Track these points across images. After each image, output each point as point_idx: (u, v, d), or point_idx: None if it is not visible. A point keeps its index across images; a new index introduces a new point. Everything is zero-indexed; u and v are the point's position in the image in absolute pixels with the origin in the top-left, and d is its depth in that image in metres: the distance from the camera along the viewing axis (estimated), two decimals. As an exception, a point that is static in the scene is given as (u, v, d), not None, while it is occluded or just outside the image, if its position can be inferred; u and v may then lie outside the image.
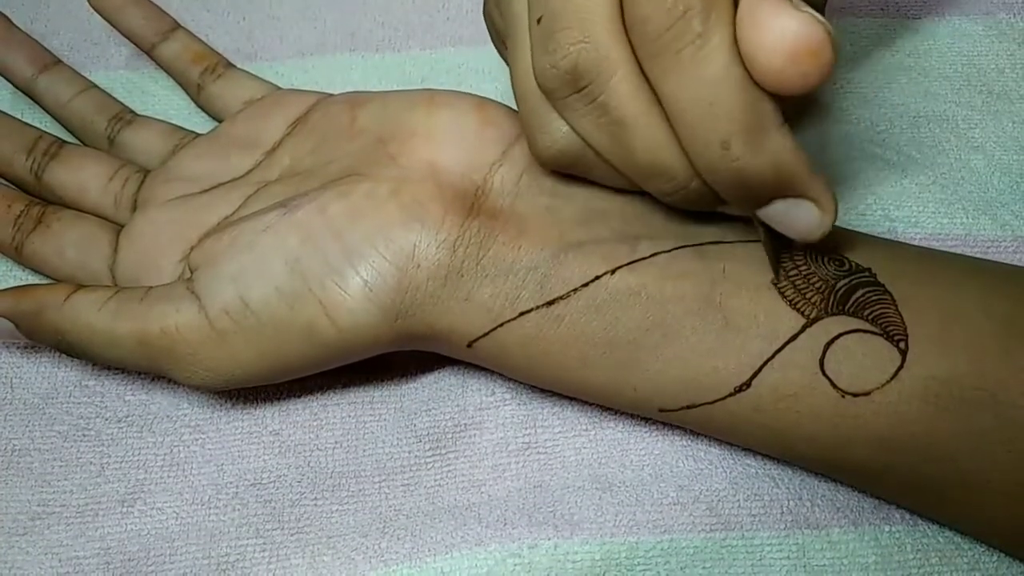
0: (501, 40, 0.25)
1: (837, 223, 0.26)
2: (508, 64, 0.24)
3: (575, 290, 0.24)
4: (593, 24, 0.20)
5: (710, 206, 0.22)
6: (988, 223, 0.30)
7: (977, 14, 0.35)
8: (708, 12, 0.18)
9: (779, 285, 0.23)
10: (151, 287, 0.26)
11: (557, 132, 0.22)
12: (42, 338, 0.26)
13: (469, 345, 0.25)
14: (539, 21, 0.21)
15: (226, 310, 0.24)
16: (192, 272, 0.26)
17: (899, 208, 0.30)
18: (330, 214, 0.25)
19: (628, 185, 0.23)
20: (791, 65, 0.18)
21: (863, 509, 0.26)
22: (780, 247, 0.24)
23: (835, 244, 0.24)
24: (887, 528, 0.25)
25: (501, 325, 0.24)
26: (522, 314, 0.24)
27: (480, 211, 0.25)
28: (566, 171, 0.24)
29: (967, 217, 0.30)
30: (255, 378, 0.25)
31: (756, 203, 0.21)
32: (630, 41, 0.20)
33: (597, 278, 0.24)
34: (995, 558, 0.25)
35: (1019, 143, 0.32)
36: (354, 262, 0.24)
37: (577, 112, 0.21)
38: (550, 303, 0.24)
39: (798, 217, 0.21)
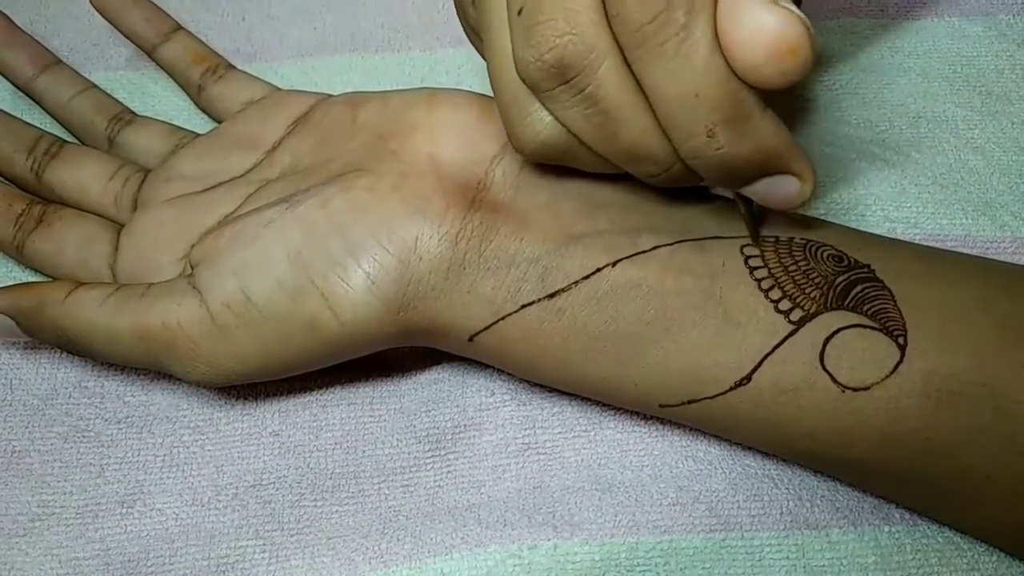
0: (475, 33, 0.25)
1: (836, 221, 0.27)
2: (484, 57, 0.23)
3: (576, 282, 0.24)
4: (578, 14, 0.19)
5: (691, 183, 0.23)
6: (987, 224, 0.30)
7: (976, 15, 0.35)
8: (691, 2, 0.18)
9: (779, 281, 0.23)
10: (152, 284, 0.26)
11: (540, 123, 0.22)
12: (42, 335, 0.26)
13: (470, 339, 0.25)
14: (520, 12, 0.20)
15: (228, 304, 0.24)
16: (193, 268, 0.26)
17: (898, 209, 0.30)
18: (332, 208, 0.25)
19: (610, 169, 0.23)
20: (770, 62, 0.18)
21: (863, 509, 0.26)
22: (760, 214, 0.24)
23: (834, 241, 0.24)
24: (887, 528, 0.25)
25: (503, 318, 0.24)
26: (523, 307, 0.24)
27: (482, 204, 0.25)
28: (548, 161, 0.24)
29: (966, 218, 0.30)
30: (256, 374, 0.25)
31: (740, 184, 0.21)
32: (612, 30, 0.20)
33: (598, 270, 0.24)
34: (994, 558, 0.25)
35: (1018, 144, 0.32)
36: (357, 255, 0.24)
37: (563, 103, 0.21)
38: (551, 295, 0.24)
39: (780, 190, 0.21)
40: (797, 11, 0.18)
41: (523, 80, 0.21)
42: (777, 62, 0.18)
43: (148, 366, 0.26)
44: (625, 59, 0.20)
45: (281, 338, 0.25)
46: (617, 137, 0.21)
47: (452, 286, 0.24)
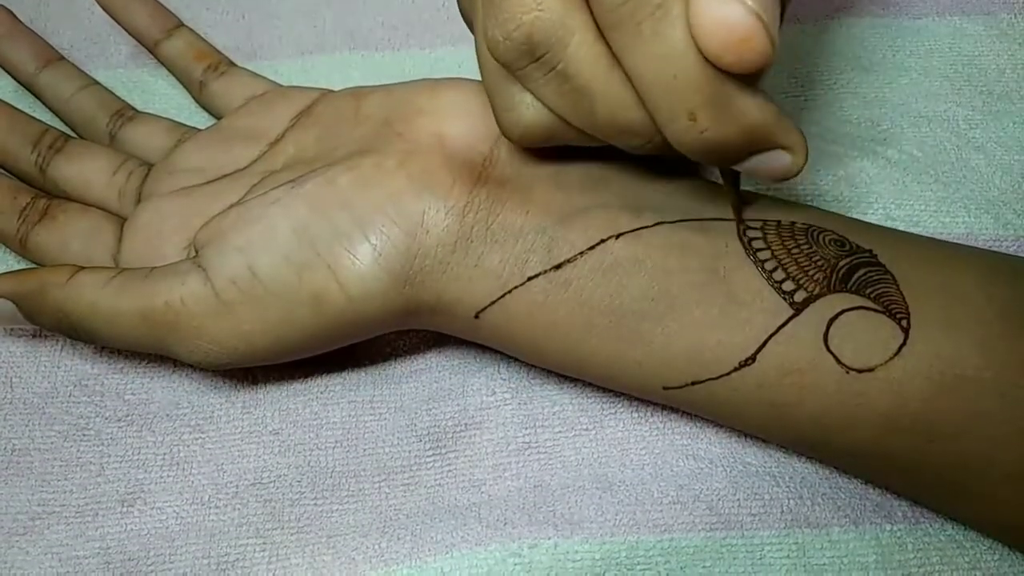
0: (470, 23, 0.25)
1: (838, 212, 0.27)
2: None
3: (582, 253, 0.24)
4: None
5: (677, 155, 0.22)
6: (990, 222, 0.30)
7: (978, 14, 0.35)
8: None
9: (783, 262, 0.23)
10: (156, 267, 0.26)
11: (522, 106, 0.22)
12: (44, 320, 0.26)
13: (476, 316, 0.25)
14: None
15: (233, 280, 0.24)
16: (198, 251, 0.26)
17: (900, 207, 0.30)
18: (339, 184, 0.25)
19: (597, 143, 0.23)
20: (726, 51, 0.18)
21: (864, 508, 0.26)
22: (745, 199, 0.24)
23: (835, 227, 0.24)
24: (888, 527, 0.25)
25: (509, 292, 0.24)
26: (530, 279, 0.24)
27: (488, 179, 0.25)
28: (536, 144, 0.24)
29: (968, 216, 0.30)
30: (259, 354, 0.25)
31: (727, 164, 0.21)
32: (591, 8, 0.20)
33: (603, 241, 0.24)
34: (996, 556, 0.25)
35: (1020, 143, 0.32)
36: (364, 228, 0.24)
37: (537, 82, 0.21)
38: (558, 267, 0.24)
39: (769, 165, 0.21)
40: (749, 3, 0.18)
41: (497, 60, 0.21)
42: (733, 51, 0.18)
43: (150, 348, 0.26)
44: (602, 34, 0.20)
45: (287, 315, 0.24)
46: (594, 112, 0.21)
47: (459, 259, 0.24)
